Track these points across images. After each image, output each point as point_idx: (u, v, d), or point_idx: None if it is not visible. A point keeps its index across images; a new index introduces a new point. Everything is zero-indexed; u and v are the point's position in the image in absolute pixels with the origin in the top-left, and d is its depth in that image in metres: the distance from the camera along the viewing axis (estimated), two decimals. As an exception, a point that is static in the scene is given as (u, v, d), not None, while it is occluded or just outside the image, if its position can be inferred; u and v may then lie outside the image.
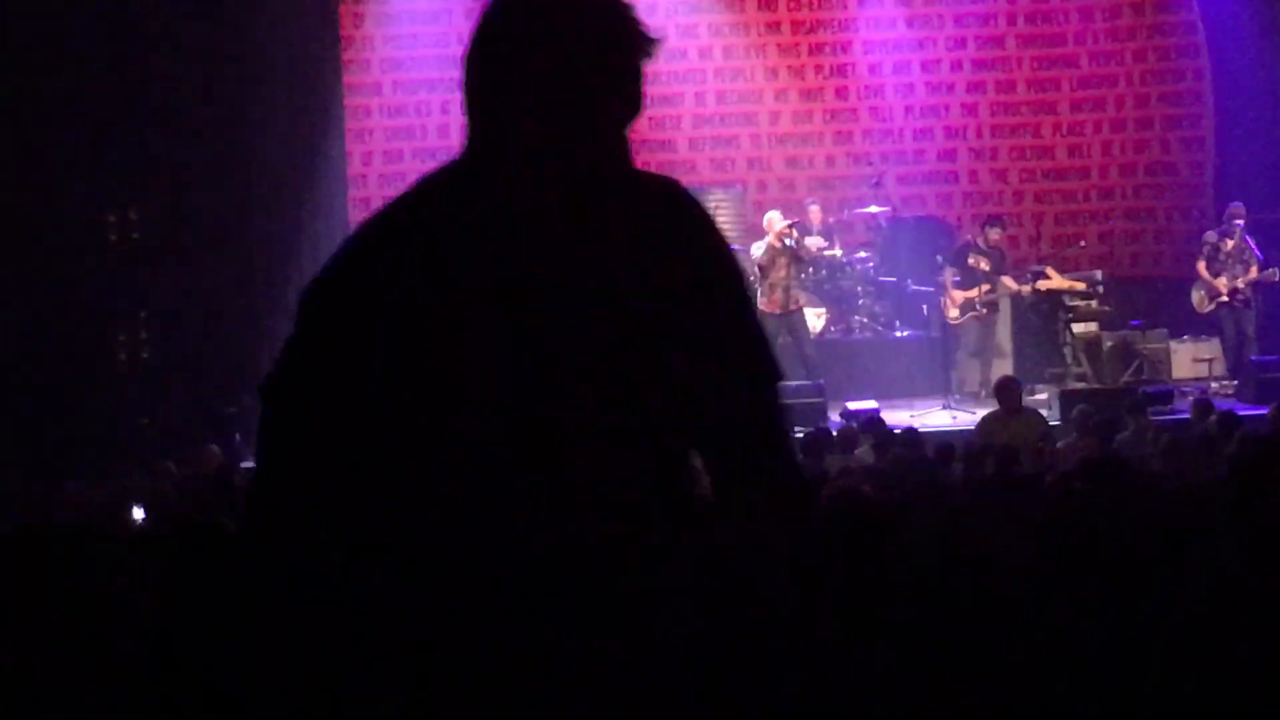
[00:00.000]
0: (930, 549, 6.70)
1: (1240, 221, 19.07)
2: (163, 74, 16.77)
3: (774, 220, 18.78)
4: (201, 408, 16.40)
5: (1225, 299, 19.03)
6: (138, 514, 10.23)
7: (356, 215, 20.81)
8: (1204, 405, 14.61)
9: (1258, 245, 19.04)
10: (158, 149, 16.63)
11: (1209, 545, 6.11)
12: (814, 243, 19.80)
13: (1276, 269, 18.90)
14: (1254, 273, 18.94)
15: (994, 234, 19.34)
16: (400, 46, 21.92)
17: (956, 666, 5.54)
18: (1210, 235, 19.40)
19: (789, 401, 15.92)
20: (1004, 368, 19.48)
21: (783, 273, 18.48)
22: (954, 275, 19.21)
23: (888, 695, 5.34)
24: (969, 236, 19.74)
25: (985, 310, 19.12)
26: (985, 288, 19.05)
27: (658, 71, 22.56)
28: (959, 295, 19.09)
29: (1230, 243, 19.04)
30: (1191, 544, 6.07)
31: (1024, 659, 5.73)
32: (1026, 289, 19.55)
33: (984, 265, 19.12)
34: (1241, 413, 14.56)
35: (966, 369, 19.30)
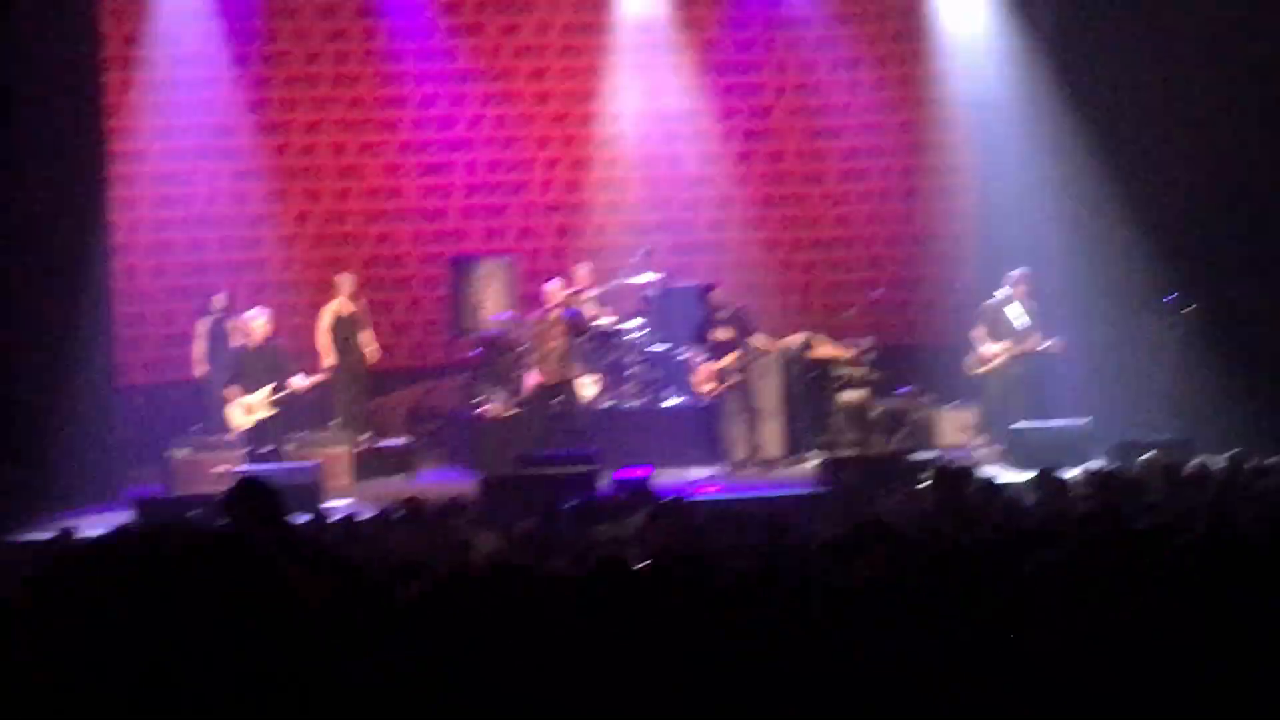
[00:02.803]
0: (697, 617, 6.70)
1: (1024, 287, 19.35)
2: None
3: (555, 290, 18.80)
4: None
5: (1001, 365, 19.28)
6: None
7: (122, 284, 20.49)
8: (968, 472, 14.79)
9: (1029, 312, 19.31)
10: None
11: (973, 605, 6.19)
12: (587, 310, 19.85)
13: (1060, 339, 19.17)
14: (1034, 342, 19.20)
15: (716, 299, 19.42)
16: (167, 114, 21.63)
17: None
18: (989, 301, 19.63)
19: (560, 470, 15.90)
20: (773, 431, 19.62)
21: (559, 341, 18.51)
22: (701, 350, 19.26)
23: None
24: (707, 311, 19.58)
25: (740, 377, 19.19)
26: (735, 354, 19.11)
27: (428, 140, 22.56)
28: (710, 368, 19.13)
29: (1007, 309, 19.30)
30: (955, 604, 6.15)
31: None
32: (780, 345, 19.73)
33: (725, 335, 19.19)
34: (1005, 478, 14.78)
35: (734, 437, 19.38)
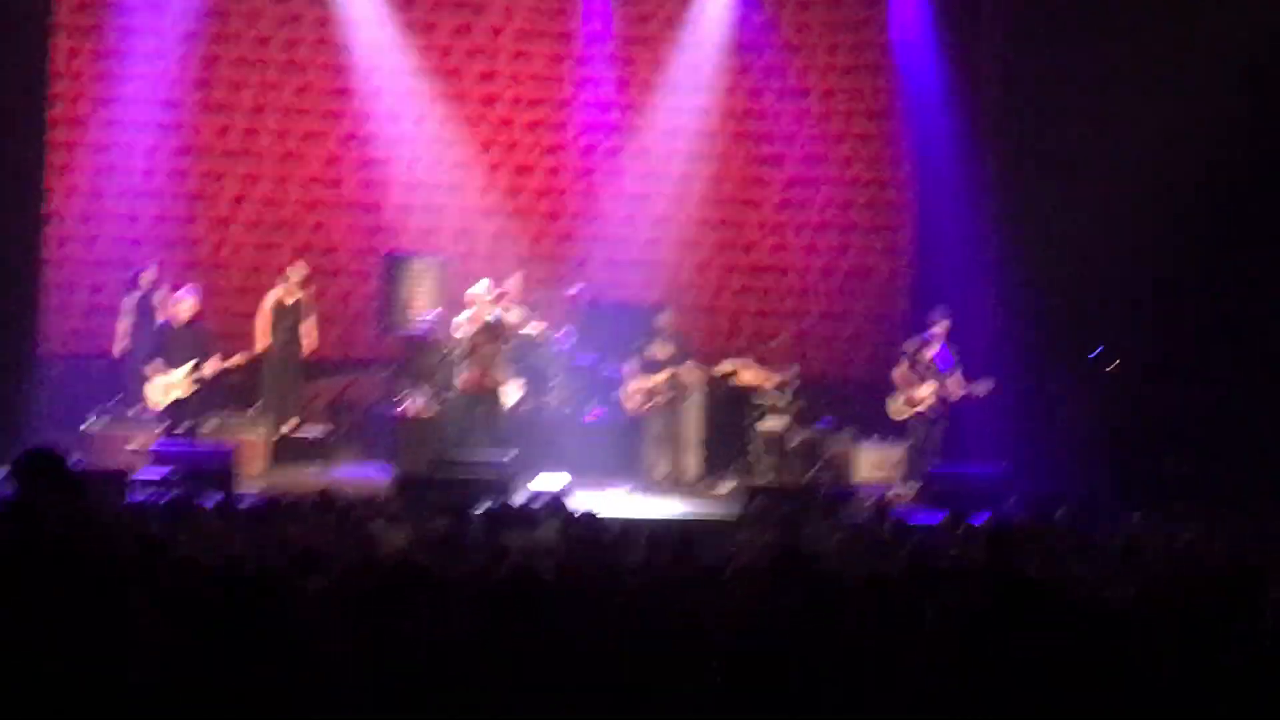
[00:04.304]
0: (606, 631, 6.70)
1: (939, 330, 19.35)
2: None
3: (480, 293, 18.72)
4: None
5: (923, 408, 19.31)
6: None
7: (53, 252, 20.39)
8: (882, 509, 14.83)
9: (952, 354, 19.34)
10: None
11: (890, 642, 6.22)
12: (515, 316, 19.80)
13: (989, 381, 19.18)
14: (958, 384, 19.21)
15: (663, 319, 19.51)
16: (112, 85, 21.52)
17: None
18: (912, 342, 19.65)
19: (476, 474, 15.81)
20: (692, 453, 19.67)
21: (486, 346, 18.45)
22: (637, 363, 19.31)
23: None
24: (650, 327, 19.72)
25: (668, 397, 19.24)
26: (667, 374, 19.18)
27: (371, 133, 22.48)
28: (641, 384, 19.18)
29: (930, 351, 19.33)
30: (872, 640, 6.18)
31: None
32: (708, 376, 19.81)
33: (662, 353, 19.26)
34: (918, 519, 14.82)
35: (655, 456, 19.40)
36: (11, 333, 18.72)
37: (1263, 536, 13.69)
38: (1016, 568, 8.37)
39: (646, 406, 19.19)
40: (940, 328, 19.42)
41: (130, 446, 18.16)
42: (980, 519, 13.84)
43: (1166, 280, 19.29)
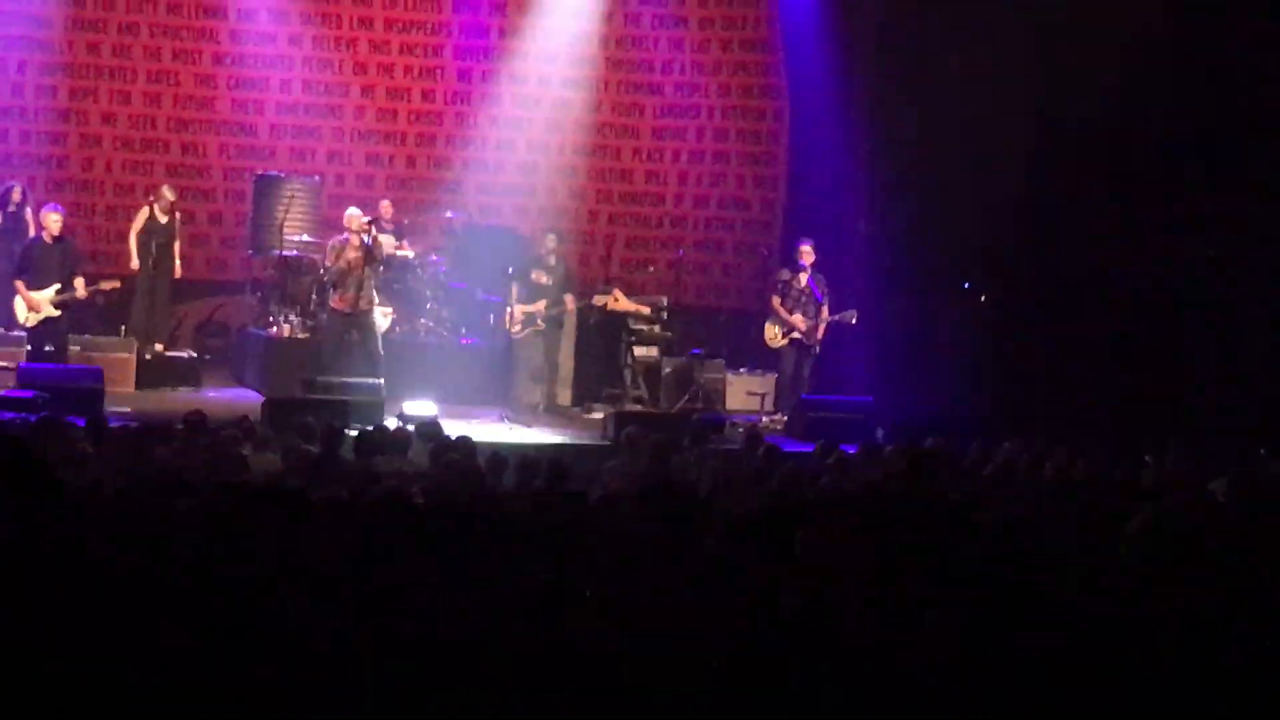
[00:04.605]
0: (480, 557, 6.72)
1: (807, 261, 19.43)
2: None
3: (353, 217, 18.61)
4: None
5: (797, 336, 19.39)
6: None
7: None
8: (754, 437, 14.91)
9: (819, 285, 19.44)
10: None
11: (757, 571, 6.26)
12: (387, 241, 19.68)
13: (854, 311, 19.31)
14: (826, 314, 19.33)
15: (550, 242, 19.55)
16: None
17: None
18: (784, 273, 19.74)
19: (347, 398, 15.73)
20: (564, 380, 19.69)
21: (357, 270, 18.34)
22: (519, 289, 19.29)
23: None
24: (537, 251, 19.79)
25: (547, 326, 19.27)
26: (547, 302, 19.20)
27: (244, 53, 22.27)
28: (521, 310, 19.18)
29: (802, 281, 19.42)
30: (741, 569, 6.20)
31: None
32: (584, 304, 19.83)
33: (545, 280, 19.27)
34: (789, 448, 14.91)
35: (527, 383, 19.38)
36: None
37: (1124, 460, 13.89)
38: (888, 494, 8.44)
39: (528, 332, 19.19)
40: (807, 258, 19.48)
41: (-2, 364, 17.98)
42: (850, 448, 13.97)
43: (1034, 214, 19.42)
